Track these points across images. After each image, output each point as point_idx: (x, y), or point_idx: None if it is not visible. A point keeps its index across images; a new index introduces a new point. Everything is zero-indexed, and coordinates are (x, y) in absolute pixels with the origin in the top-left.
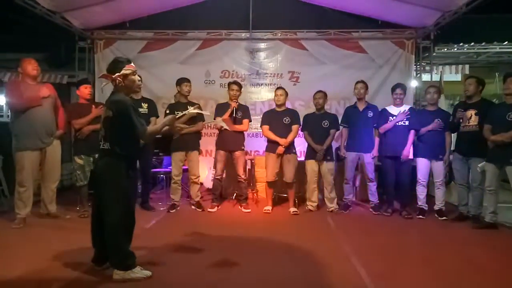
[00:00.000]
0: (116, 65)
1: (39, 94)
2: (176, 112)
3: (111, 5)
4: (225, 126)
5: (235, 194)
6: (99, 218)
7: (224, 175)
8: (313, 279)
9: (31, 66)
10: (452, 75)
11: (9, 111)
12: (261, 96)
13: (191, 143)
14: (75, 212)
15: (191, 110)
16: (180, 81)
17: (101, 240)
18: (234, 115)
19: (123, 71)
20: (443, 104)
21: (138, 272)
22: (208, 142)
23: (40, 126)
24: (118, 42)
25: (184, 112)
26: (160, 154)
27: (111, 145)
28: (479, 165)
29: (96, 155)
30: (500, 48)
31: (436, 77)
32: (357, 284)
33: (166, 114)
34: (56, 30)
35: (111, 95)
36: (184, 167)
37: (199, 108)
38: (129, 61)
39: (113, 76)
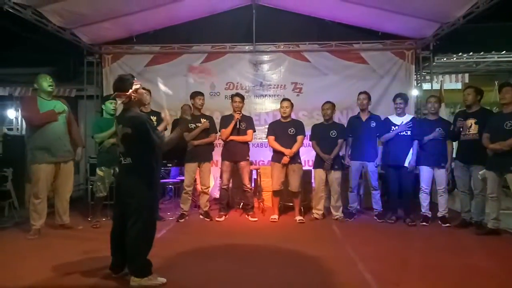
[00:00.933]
0: (125, 82)
1: (55, 110)
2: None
3: (119, 21)
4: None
5: (241, 204)
6: (121, 228)
7: (230, 185)
8: (321, 285)
9: (46, 83)
10: (452, 83)
11: (25, 125)
12: (265, 107)
13: (203, 154)
14: (87, 223)
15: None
16: (194, 95)
17: (120, 248)
18: (238, 126)
19: (134, 87)
20: (444, 112)
21: (154, 279)
22: (214, 153)
23: (56, 140)
24: (125, 56)
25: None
26: (168, 165)
27: (133, 160)
28: (479, 172)
29: (117, 168)
30: (498, 57)
31: (436, 86)
32: None
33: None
34: (65, 45)
35: (125, 111)
36: None
37: (212, 122)
38: (133, 77)
39: (128, 94)
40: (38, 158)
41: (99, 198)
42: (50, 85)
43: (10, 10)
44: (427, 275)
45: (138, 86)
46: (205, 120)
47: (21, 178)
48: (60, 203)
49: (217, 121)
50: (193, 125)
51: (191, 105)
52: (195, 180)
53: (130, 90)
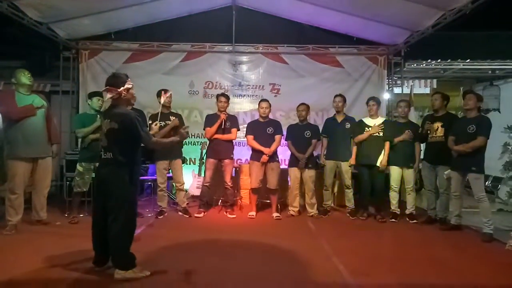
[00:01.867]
0: (118, 79)
1: (33, 105)
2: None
3: (97, 17)
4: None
5: (220, 200)
6: (101, 223)
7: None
8: (297, 276)
9: (25, 77)
10: (422, 88)
11: (2, 119)
12: (243, 106)
13: (174, 152)
14: (64, 219)
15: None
16: (160, 92)
17: (102, 242)
18: (223, 126)
19: (126, 85)
20: (413, 115)
21: (138, 271)
22: (191, 151)
23: (33, 136)
24: (103, 52)
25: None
26: (146, 162)
27: (114, 155)
28: (445, 172)
29: (97, 164)
30: (463, 65)
31: (406, 90)
32: (338, 280)
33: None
34: (40, 38)
35: (112, 107)
36: (169, 175)
37: (181, 120)
38: (127, 76)
39: (119, 90)
40: (15, 153)
41: (77, 194)
42: (28, 79)
43: None
44: (395, 266)
45: (130, 86)
46: (174, 118)
47: None
48: (37, 198)
49: (196, 119)
50: (162, 123)
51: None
52: (170, 178)
53: (122, 88)
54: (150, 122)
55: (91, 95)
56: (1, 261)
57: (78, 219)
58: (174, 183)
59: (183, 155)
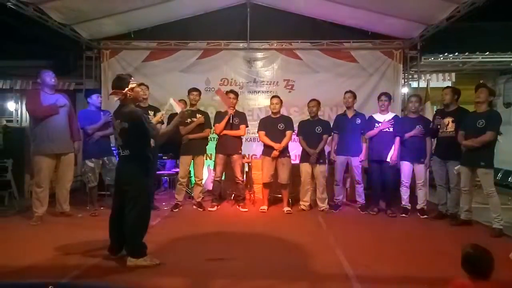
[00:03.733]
0: (122, 81)
1: (57, 104)
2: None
3: (117, 17)
4: (176, 108)
5: (233, 195)
6: (119, 213)
7: (223, 177)
8: (301, 267)
9: (49, 78)
10: (440, 82)
11: (26, 118)
12: (258, 102)
13: (198, 148)
14: (86, 212)
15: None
16: (190, 90)
17: (118, 232)
18: (231, 122)
19: (130, 85)
20: (429, 110)
21: (149, 260)
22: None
23: (57, 133)
24: (123, 51)
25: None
26: (164, 157)
27: (131, 151)
28: (455, 167)
29: (105, 158)
30: (482, 57)
31: (423, 84)
32: (338, 272)
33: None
34: (64, 39)
35: (121, 107)
36: None
37: (207, 118)
38: (130, 76)
39: (124, 92)
40: (41, 149)
41: (91, 188)
42: (52, 80)
43: (13, 7)
44: (398, 259)
45: (134, 85)
46: (200, 115)
47: (20, 169)
48: (60, 192)
49: (212, 116)
50: (188, 120)
51: (187, 100)
52: (189, 172)
53: (126, 89)
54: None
55: (90, 93)
56: (24, 249)
57: (98, 211)
58: (193, 178)
59: (206, 152)
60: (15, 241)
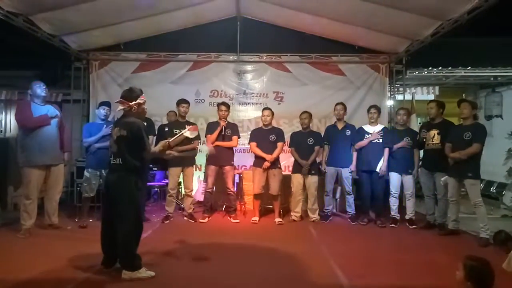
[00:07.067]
0: (132, 93)
1: (48, 115)
2: (168, 138)
3: (108, 29)
4: (189, 135)
5: (224, 206)
6: (110, 226)
7: (214, 188)
8: (294, 277)
9: (40, 89)
10: (424, 95)
11: (13, 128)
12: (248, 114)
13: (187, 159)
14: (74, 223)
15: (184, 132)
16: (179, 102)
17: (110, 245)
18: (223, 133)
19: (138, 100)
20: (415, 122)
21: (144, 272)
22: (198, 158)
23: (47, 144)
24: (112, 63)
25: (175, 137)
26: (154, 169)
27: (123, 161)
28: (442, 179)
29: (103, 170)
30: (464, 72)
31: (408, 97)
32: (334, 282)
33: (164, 132)
34: (52, 49)
35: (123, 117)
36: None
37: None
38: (142, 92)
39: (130, 104)
40: (31, 161)
41: (85, 199)
42: (43, 91)
43: (3, 18)
44: (390, 269)
45: (142, 101)
46: (189, 126)
47: (4, 180)
48: (49, 204)
49: (202, 127)
50: (177, 131)
51: (176, 111)
52: (179, 184)
53: (134, 102)
54: (167, 129)
55: (100, 105)
56: (15, 262)
57: (87, 223)
58: (182, 189)
59: (195, 163)
60: (5, 255)
